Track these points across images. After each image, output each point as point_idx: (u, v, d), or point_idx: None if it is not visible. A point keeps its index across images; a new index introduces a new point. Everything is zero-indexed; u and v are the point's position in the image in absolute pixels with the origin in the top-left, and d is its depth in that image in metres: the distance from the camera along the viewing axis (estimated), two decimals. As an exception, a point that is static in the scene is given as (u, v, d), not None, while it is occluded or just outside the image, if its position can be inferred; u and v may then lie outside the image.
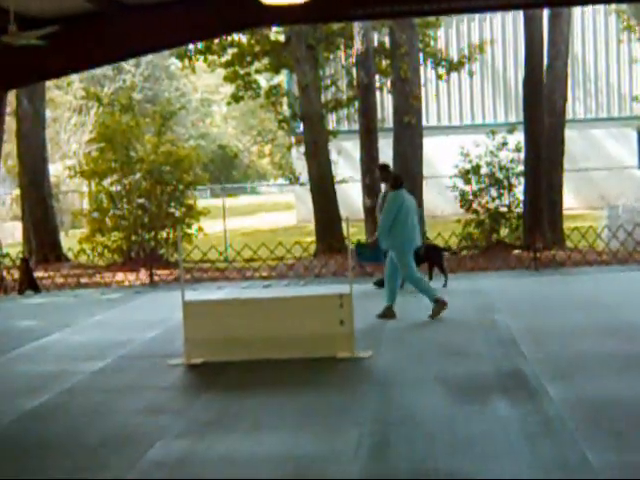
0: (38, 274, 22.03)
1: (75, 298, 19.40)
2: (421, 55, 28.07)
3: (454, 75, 32.73)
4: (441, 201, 34.67)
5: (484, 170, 25.03)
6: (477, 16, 39.85)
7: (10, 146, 37.35)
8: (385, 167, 18.01)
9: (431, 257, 17.89)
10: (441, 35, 35.90)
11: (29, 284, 20.34)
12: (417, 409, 8.69)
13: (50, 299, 19.08)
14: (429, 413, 8.51)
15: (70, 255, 27.04)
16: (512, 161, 24.87)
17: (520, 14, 30.14)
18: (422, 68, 28.85)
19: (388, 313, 14.29)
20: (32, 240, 28.26)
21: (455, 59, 30.64)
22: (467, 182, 25.15)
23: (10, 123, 31.68)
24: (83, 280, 22.38)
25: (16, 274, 20.99)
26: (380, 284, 17.45)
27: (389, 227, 14.24)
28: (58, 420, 9.06)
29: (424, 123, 27.92)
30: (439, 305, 14.12)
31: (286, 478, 6.88)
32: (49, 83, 37.41)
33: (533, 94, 24.70)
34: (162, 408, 9.17)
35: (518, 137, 24.96)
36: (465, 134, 34.67)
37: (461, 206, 25.33)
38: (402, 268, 14.38)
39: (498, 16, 40.09)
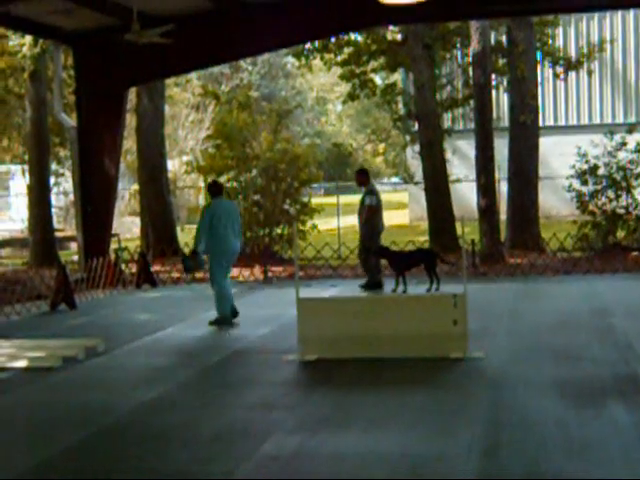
0: (155, 268, 22.42)
1: (190, 292, 19.70)
2: (539, 54, 27.77)
3: (572, 74, 32.24)
4: (556, 201, 34.27)
5: (601, 171, 24.63)
6: (597, 14, 39.18)
7: (130, 142, 38.10)
8: (363, 171, 18.60)
9: (425, 261, 17.50)
10: (559, 33, 35.45)
11: (146, 278, 20.74)
12: (530, 411, 8.62)
13: (166, 293, 19.42)
14: (542, 416, 8.42)
15: (186, 250, 27.44)
16: (632, 162, 24.41)
17: (641, 12, 29.60)
18: (539, 67, 28.55)
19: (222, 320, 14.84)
20: (150, 235, 28.79)
21: (573, 58, 30.21)
22: (584, 183, 24.77)
23: (130, 120, 32.32)
24: (198, 275, 22.67)
25: (134, 268, 21.42)
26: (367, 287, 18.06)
27: (201, 234, 14.72)
28: (174, 412, 9.21)
29: (540, 122, 27.65)
30: (223, 322, 14.67)
31: (399, 477, 6.89)
32: (168, 80, 37.95)
33: (654, 94, 24.22)
34: (276, 403, 9.26)
35: (638, 137, 24.50)
36: (582, 134, 34.14)
37: (577, 207, 24.97)
38: (212, 274, 14.94)
39: (619, 14, 39.36)
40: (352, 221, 37.17)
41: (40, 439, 8.37)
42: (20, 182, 42.15)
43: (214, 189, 15.34)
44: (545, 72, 33.00)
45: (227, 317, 14.81)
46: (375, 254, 17.93)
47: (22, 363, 11.71)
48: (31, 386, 10.70)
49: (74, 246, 30.44)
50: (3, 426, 8.98)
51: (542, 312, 15.00)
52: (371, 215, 18.05)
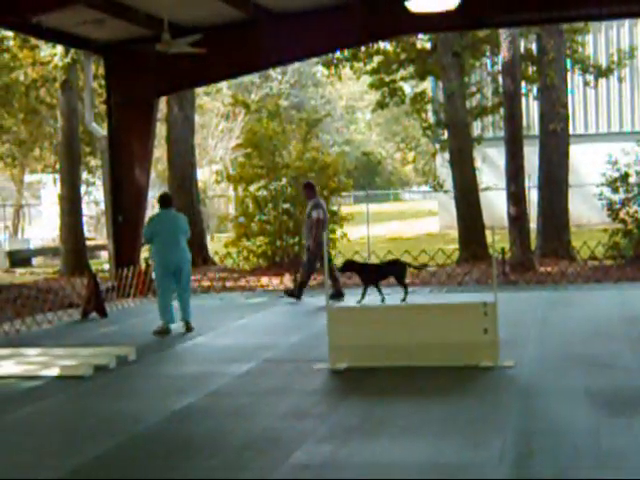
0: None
1: (220, 301, 19.75)
2: (569, 61, 27.69)
3: (602, 81, 32.11)
4: (587, 209, 34.14)
5: (633, 179, 24.50)
6: (627, 21, 39.02)
7: (160, 151, 38.28)
8: (310, 185, 18.82)
9: (393, 271, 17.47)
10: (589, 41, 35.31)
11: (176, 287, 20.77)
12: (561, 420, 8.58)
13: (196, 302, 19.39)
14: (574, 425, 8.38)
15: (216, 259, 27.55)
16: (663, 170, 24.27)
17: (672, 19, 29.42)
18: (569, 74, 28.45)
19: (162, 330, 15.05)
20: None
21: (604, 65, 30.09)
22: (615, 191, 24.65)
23: (161, 129, 32.48)
24: (228, 284, 22.74)
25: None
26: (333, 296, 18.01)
27: (147, 244, 15.58)
28: (204, 421, 9.23)
29: (571, 130, 27.55)
30: (161, 332, 14.88)
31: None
32: (198, 90, 38.14)
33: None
34: (306, 412, 9.26)
35: (669, 145, 24.37)
36: (613, 142, 34.00)
37: (608, 215, 24.86)
38: (158, 287, 15.27)
39: (649, 21, 39.20)
40: (381, 230, 37.26)
41: (70, 448, 8.41)
42: (52, 191, 42.45)
43: (161, 201, 15.61)
44: (575, 80, 32.89)
45: (166, 327, 15.00)
46: (343, 268, 17.87)
47: (54, 371, 11.78)
48: (62, 394, 10.77)
49: (105, 255, 30.59)
50: (34, 434, 9.04)
51: (573, 320, 14.93)
52: (317, 228, 18.05)
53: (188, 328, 15.08)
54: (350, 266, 17.68)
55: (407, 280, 17.65)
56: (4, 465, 7.93)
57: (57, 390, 10.99)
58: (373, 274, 17.33)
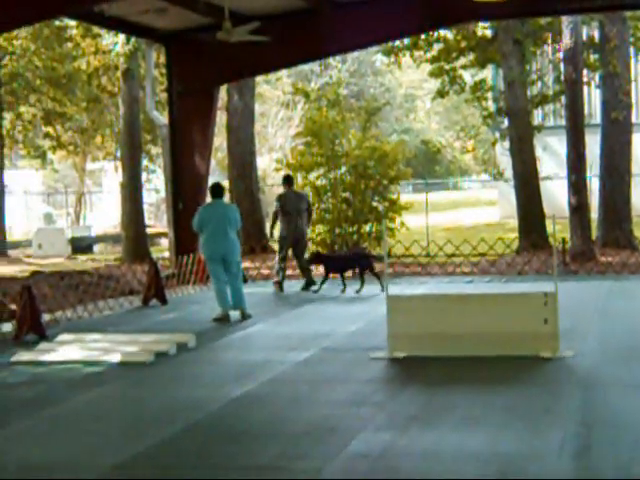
0: (244, 265, 22.52)
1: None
2: (632, 49, 27.37)
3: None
4: (650, 199, 33.66)
5: (697, 168, 24.23)
6: (693, 8, 38.40)
7: (220, 139, 38.46)
8: (284, 178, 19.60)
9: (360, 264, 18.16)
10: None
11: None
12: (622, 412, 8.50)
13: (255, 289, 19.52)
14: (635, 416, 8.30)
15: (275, 247, 27.57)
16: None
17: None
18: (633, 62, 28.14)
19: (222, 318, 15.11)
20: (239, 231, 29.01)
21: (668, 53, 29.72)
22: (678, 180, 24.39)
23: (221, 117, 32.64)
24: (288, 272, 22.72)
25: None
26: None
27: (199, 236, 15.71)
28: (263, 408, 9.26)
29: (634, 119, 27.25)
30: (221, 319, 14.99)
31: (489, 476, 6.83)
32: (258, 78, 38.20)
33: None
34: (365, 400, 9.27)
35: None
36: (677, 130, 33.46)
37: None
38: (211, 276, 15.43)
39: None
40: (440, 219, 37.15)
41: (130, 434, 8.48)
42: (113, 179, 42.85)
43: (212, 191, 15.72)
44: (639, 67, 32.47)
45: (225, 315, 15.07)
46: (310, 261, 18.79)
47: (116, 357, 11.90)
48: (123, 380, 10.88)
49: (165, 242, 30.85)
50: (97, 418, 9.14)
51: (635, 311, 14.78)
52: (274, 219, 19.15)
53: (244, 316, 15.14)
54: (317, 258, 18.75)
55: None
56: (69, 448, 8.03)
57: (118, 376, 11.11)
58: (338, 265, 18.32)
